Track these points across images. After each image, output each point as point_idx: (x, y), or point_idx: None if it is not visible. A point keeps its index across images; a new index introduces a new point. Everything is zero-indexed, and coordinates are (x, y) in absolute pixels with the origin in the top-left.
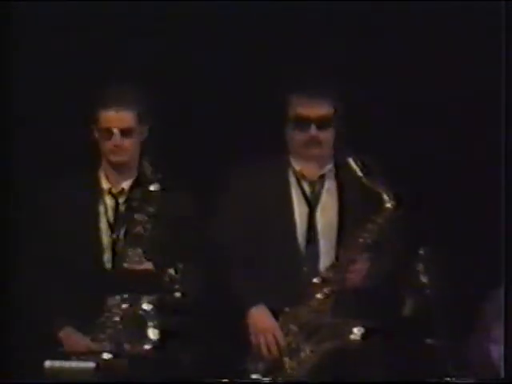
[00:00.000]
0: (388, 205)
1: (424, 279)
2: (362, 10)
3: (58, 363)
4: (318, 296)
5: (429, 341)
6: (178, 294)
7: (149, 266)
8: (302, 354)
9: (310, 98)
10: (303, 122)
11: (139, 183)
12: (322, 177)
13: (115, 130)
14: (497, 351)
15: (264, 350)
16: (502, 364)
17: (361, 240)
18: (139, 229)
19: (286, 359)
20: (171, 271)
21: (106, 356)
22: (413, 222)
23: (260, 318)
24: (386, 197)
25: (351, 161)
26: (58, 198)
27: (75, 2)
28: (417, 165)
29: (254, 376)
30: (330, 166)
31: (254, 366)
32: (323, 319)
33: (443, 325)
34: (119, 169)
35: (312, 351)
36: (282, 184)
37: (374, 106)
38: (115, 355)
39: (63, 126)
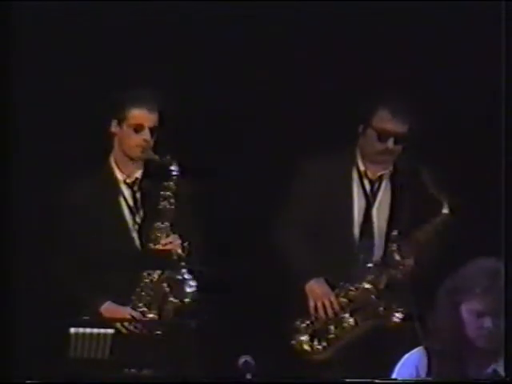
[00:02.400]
0: (445, 211)
1: (397, 257)
2: None
3: (81, 330)
4: (369, 279)
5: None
6: (184, 271)
7: (175, 238)
8: (346, 325)
9: (395, 115)
10: (384, 135)
11: (149, 172)
12: (381, 177)
13: (146, 128)
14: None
15: (319, 312)
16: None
17: (413, 239)
18: (164, 203)
19: (332, 327)
20: (179, 250)
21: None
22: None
23: (318, 286)
24: (444, 204)
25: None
26: (81, 194)
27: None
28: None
29: (302, 338)
30: (389, 169)
31: (305, 326)
32: (370, 299)
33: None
34: (133, 162)
35: (356, 324)
36: (345, 179)
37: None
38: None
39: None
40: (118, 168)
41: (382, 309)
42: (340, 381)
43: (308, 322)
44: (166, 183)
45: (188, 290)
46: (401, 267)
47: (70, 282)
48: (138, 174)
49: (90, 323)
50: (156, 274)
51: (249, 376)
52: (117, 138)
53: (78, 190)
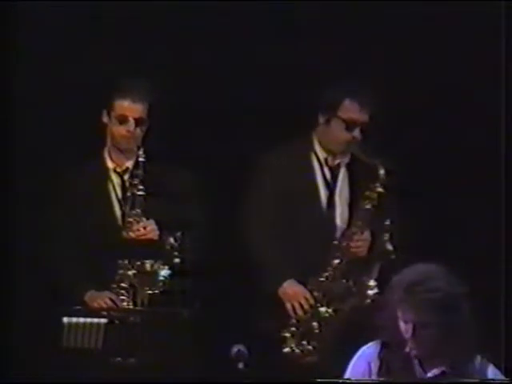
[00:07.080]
0: (381, 173)
1: (389, 247)
2: None
3: (74, 320)
4: (335, 262)
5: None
6: (177, 260)
7: (150, 223)
8: (327, 316)
9: (361, 105)
10: (352, 125)
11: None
12: (339, 165)
13: (130, 118)
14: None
15: (297, 312)
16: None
17: (365, 207)
18: (133, 190)
19: (315, 323)
20: (171, 240)
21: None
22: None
23: (290, 287)
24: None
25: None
26: (71, 181)
27: None
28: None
29: (292, 344)
30: (347, 156)
31: (290, 333)
32: (341, 283)
33: None
34: (123, 152)
35: (334, 312)
36: (307, 169)
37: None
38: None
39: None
40: (110, 158)
41: (354, 289)
42: (337, 380)
43: (292, 325)
44: (134, 171)
45: (161, 278)
46: (392, 256)
47: (59, 270)
48: (129, 163)
49: (82, 313)
50: (148, 264)
51: (241, 365)
52: (108, 128)
53: (68, 178)
